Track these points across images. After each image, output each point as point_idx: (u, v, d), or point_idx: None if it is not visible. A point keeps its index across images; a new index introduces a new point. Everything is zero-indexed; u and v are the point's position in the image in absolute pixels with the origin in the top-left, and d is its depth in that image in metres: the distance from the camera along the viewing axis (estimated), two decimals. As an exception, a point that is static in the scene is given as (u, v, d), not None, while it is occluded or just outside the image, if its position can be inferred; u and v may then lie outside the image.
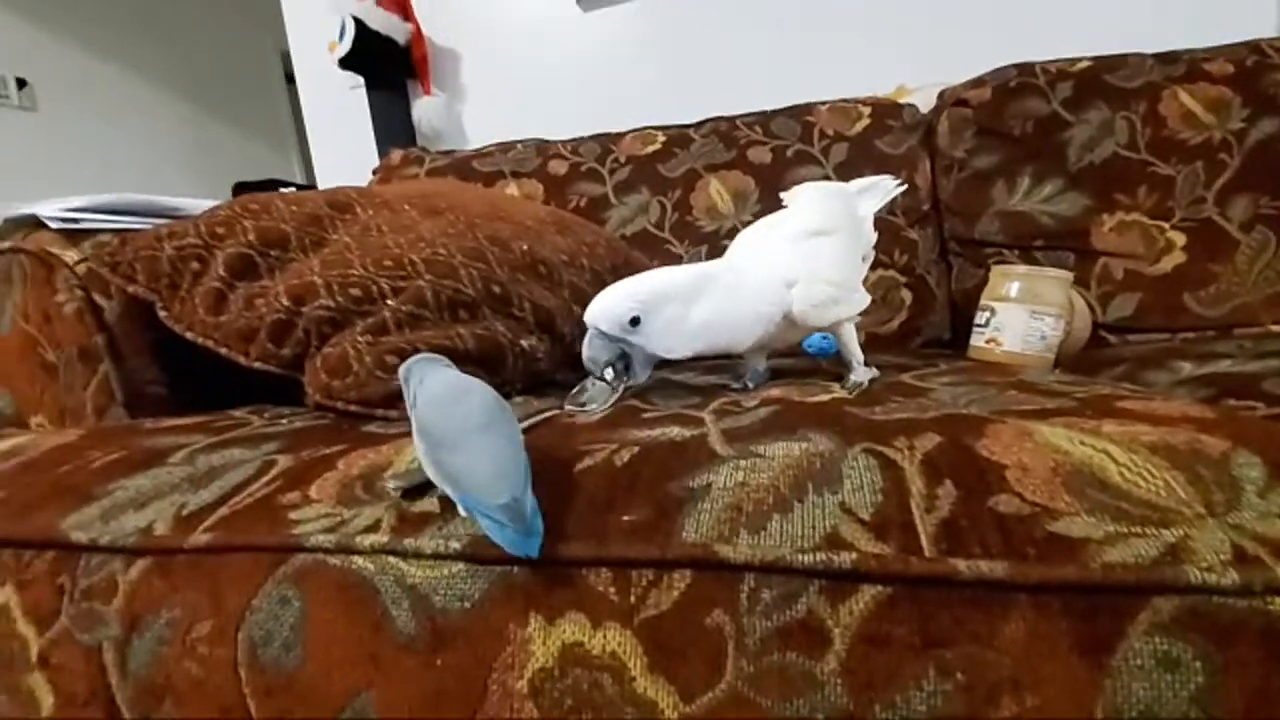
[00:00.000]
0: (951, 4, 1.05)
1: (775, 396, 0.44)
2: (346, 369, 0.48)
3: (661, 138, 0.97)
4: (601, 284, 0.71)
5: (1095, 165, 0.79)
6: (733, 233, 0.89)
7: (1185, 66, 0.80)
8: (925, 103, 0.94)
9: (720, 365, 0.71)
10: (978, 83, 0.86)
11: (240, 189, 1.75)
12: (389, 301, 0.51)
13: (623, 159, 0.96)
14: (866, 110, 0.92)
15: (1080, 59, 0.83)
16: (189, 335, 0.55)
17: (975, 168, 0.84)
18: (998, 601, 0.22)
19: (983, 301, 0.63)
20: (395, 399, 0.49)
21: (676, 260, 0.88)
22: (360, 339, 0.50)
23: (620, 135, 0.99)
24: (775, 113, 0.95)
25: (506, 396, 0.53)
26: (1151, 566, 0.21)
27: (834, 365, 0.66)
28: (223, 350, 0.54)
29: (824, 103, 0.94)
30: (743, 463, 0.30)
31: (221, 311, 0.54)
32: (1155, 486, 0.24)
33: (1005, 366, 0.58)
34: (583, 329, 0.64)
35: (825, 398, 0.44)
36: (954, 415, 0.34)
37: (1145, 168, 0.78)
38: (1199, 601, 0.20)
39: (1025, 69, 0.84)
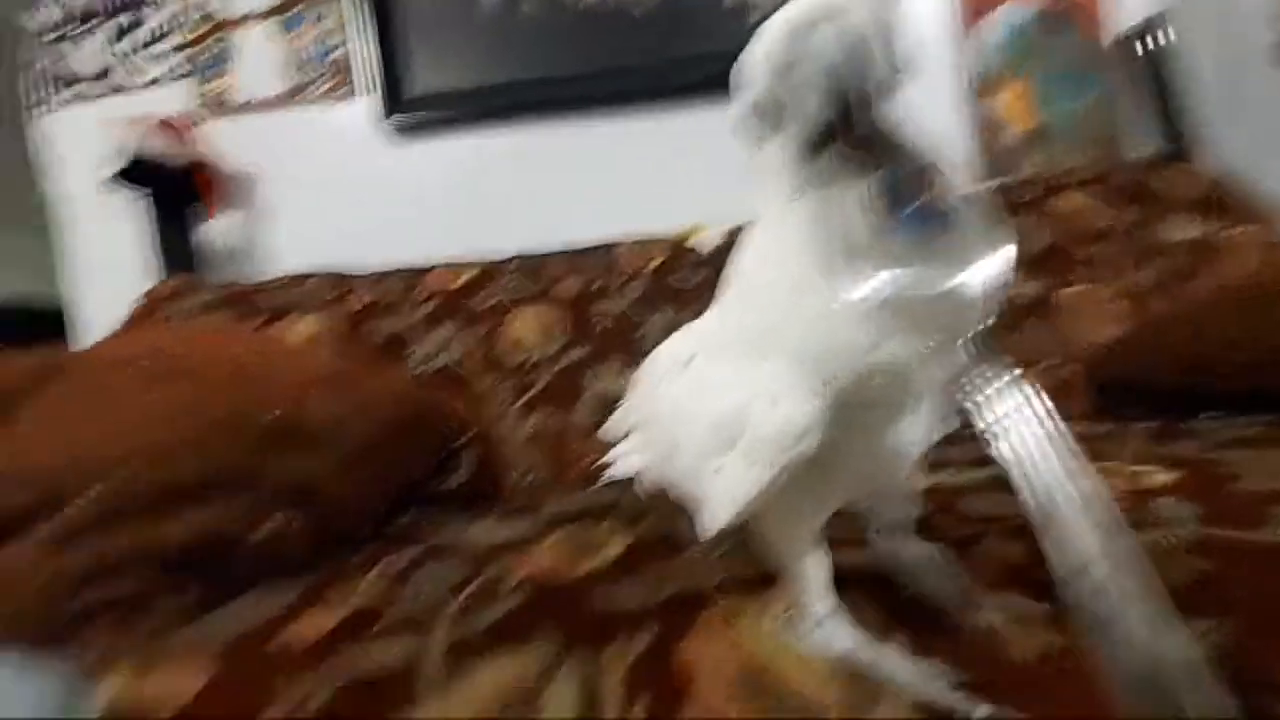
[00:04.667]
0: (731, 158, 1.24)
1: (538, 572, 0.43)
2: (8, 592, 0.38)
3: (470, 272, 0.98)
4: (383, 441, 0.66)
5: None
6: (540, 365, 0.91)
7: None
8: (716, 239, 1.07)
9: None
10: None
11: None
12: (78, 500, 0.42)
13: (428, 293, 0.95)
14: (660, 249, 1.02)
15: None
16: None
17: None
18: None
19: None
20: (77, 628, 0.39)
21: (484, 398, 0.86)
22: (31, 553, 0.40)
23: (427, 269, 0.99)
24: (581, 250, 1.02)
25: (240, 592, 0.46)
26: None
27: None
28: None
29: (624, 242, 1.03)
30: (441, 704, 0.27)
31: None
32: (815, 685, 0.27)
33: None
34: (357, 490, 0.59)
35: (586, 569, 0.44)
36: (681, 598, 0.35)
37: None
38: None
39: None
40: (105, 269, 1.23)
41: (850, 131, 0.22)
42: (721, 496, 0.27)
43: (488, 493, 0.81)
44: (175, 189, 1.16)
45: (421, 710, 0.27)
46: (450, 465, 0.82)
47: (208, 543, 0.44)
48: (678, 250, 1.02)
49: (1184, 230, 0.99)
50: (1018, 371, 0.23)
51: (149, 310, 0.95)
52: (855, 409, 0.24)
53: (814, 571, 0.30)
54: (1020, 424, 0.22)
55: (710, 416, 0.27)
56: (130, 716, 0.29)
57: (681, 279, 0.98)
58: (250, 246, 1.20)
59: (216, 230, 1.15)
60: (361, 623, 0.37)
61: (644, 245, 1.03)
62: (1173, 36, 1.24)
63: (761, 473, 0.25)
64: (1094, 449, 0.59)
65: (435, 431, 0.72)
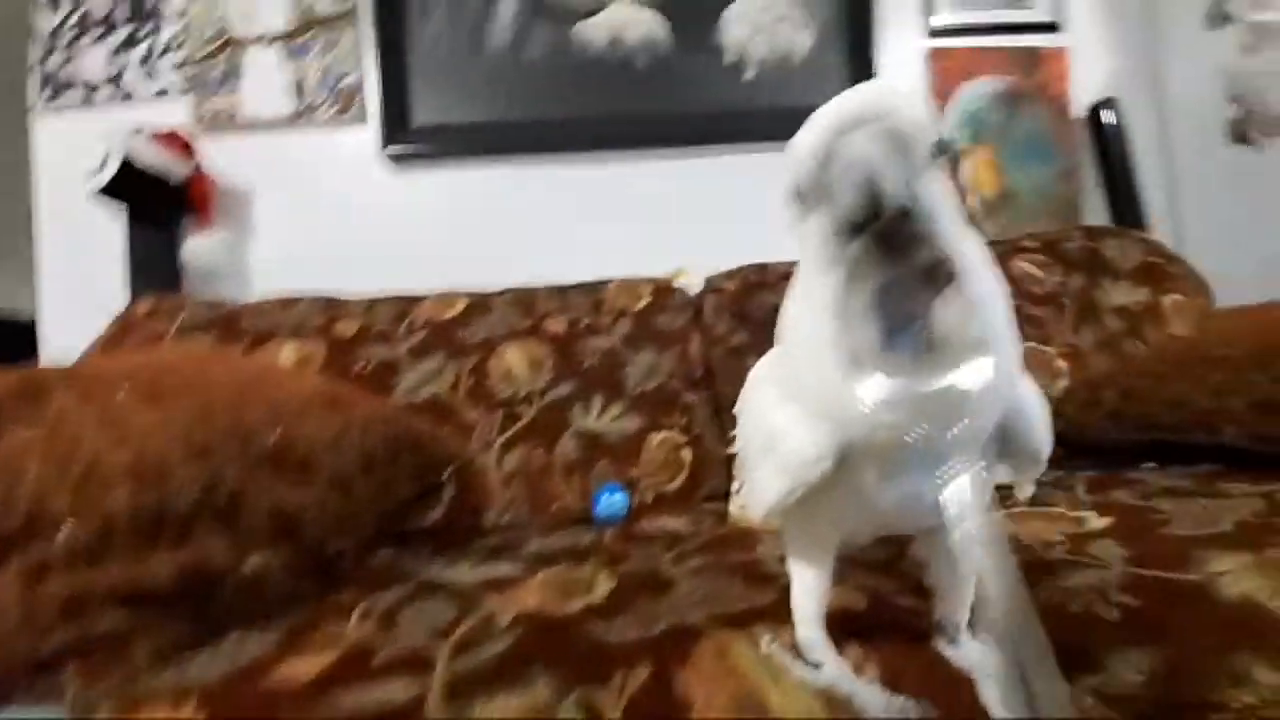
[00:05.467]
0: (718, 206, 1.29)
1: (528, 611, 0.44)
2: (-22, 625, 0.37)
3: (462, 303, 1.00)
4: (371, 464, 0.67)
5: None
6: (527, 399, 0.92)
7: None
8: (700, 283, 1.11)
9: (505, 544, 0.68)
10: (730, 275, 1.05)
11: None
12: (65, 525, 0.42)
13: (419, 322, 0.95)
14: (648, 290, 1.05)
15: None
16: None
17: (733, 343, 0.99)
18: None
19: (736, 469, 0.71)
20: (45, 670, 0.38)
21: (469, 430, 0.86)
22: (10, 583, 0.39)
23: (420, 298, 0.99)
24: (570, 287, 1.04)
25: (220, 631, 0.45)
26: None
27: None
28: None
29: (613, 281, 1.06)
30: (448, 739, 0.28)
31: None
32: (801, 711, 0.28)
33: (751, 532, 0.65)
34: (342, 528, 0.58)
35: (578, 606, 0.45)
36: (675, 630, 0.37)
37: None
38: None
39: (761, 268, 1.04)
40: (83, 282, 1.20)
41: (876, 228, 0.24)
42: (758, 497, 0.32)
43: (465, 529, 0.81)
44: (163, 203, 1.15)
45: (429, 749, 0.27)
46: (430, 500, 0.82)
47: (192, 579, 0.44)
48: (664, 291, 1.06)
49: (1127, 295, 1.06)
50: (981, 465, 0.27)
51: (125, 329, 0.93)
52: (861, 457, 0.28)
53: (809, 592, 0.33)
54: (972, 514, 0.26)
55: (761, 431, 0.32)
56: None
57: (667, 320, 1.01)
58: (239, 265, 1.19)
59: (203, 247, 1.14)
60: (355, 663, 0.37)
61: (632, 285, 1.06)
62: (1123, 117, 1.35)
63: (782, 484, 0.30)
64: (1037, 495, 0.64)
65: (423, 459, 0.72)
